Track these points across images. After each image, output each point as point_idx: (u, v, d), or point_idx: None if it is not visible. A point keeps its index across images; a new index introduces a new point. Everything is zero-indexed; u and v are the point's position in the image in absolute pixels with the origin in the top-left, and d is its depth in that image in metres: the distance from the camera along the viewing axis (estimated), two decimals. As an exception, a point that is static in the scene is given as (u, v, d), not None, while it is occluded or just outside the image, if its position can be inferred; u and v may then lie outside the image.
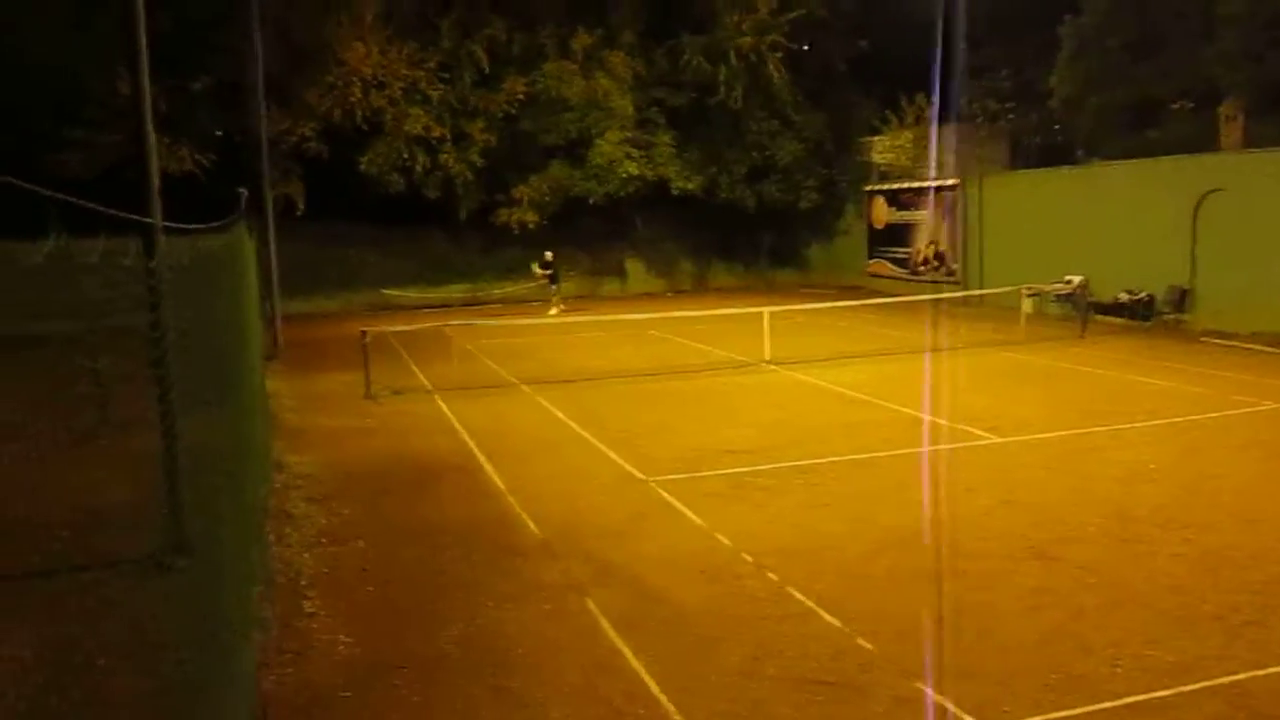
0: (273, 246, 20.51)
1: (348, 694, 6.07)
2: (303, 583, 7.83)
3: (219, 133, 27.57)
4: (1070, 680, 5.90)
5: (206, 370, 5.95)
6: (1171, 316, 20.94)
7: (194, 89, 26.00)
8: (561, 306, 27.38)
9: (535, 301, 28.90)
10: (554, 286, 27.72)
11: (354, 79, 27.80)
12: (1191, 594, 7.13)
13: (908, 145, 31.75)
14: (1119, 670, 6.01)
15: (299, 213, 27.87)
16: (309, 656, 6.55)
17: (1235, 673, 5.92)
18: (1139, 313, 21.48)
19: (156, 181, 7.34)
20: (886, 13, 31.21)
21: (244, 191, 12.12)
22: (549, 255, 27.87)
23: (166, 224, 6.08)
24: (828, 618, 6.88)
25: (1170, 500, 9.36)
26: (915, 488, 10.05)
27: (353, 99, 27.78)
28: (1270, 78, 21.90)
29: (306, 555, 8.47)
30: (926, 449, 11.72)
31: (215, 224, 7.85)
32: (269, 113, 22.50)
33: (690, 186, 31.90)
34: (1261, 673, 5.92)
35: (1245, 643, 6.32)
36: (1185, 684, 5.80)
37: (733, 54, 30.93)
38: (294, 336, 21.91)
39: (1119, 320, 21.66)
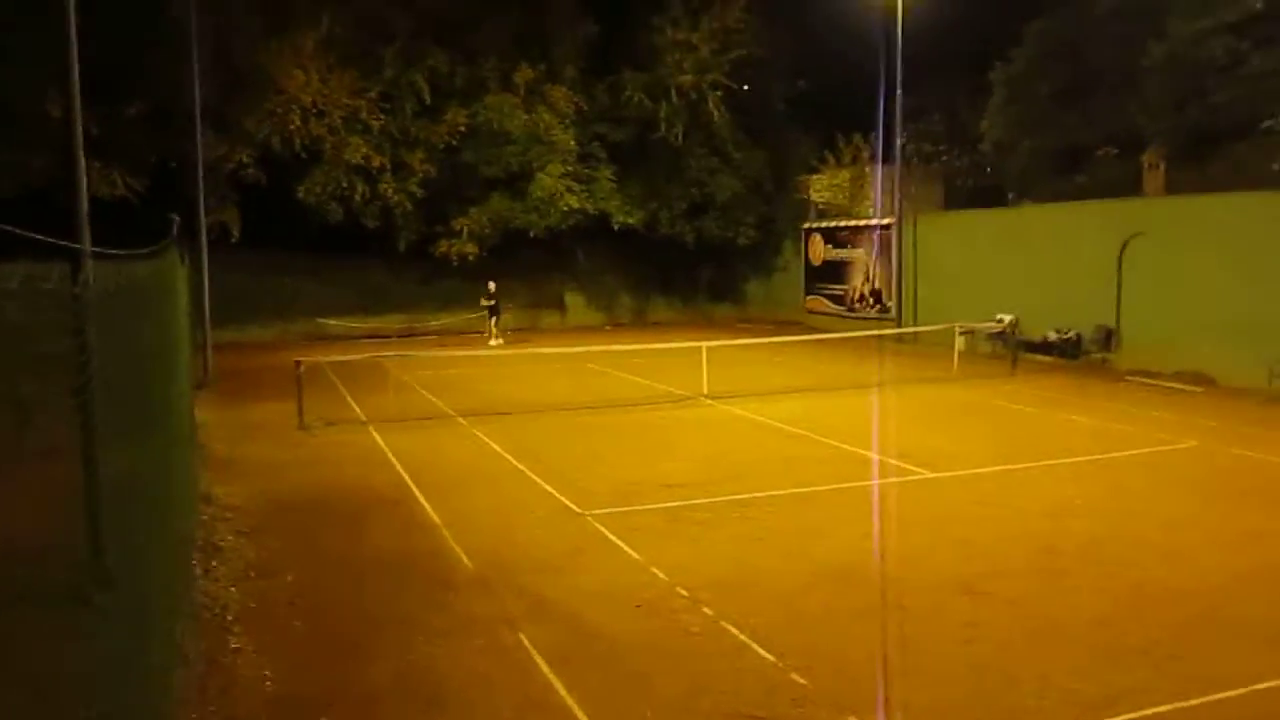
0: (205, 274, 20.18)
1: (273, 732, 5.93)
2: (229, 617, 7.65)
3: (154, 158, 27.13)
4: (998, 713, 5.97)
5: (132, 399, 5.81)
6: (1098, 355, 21.48)
7: (128, 113, 25.59)
8: (501, 339, 27.26)
9: (473, 333, 28.78)
10: (494, 318, 27.66)
11: (293, 106, 27.59)
12: (1115, 628, 7.27)
13: (844, 184, 32.33)
14: (1045, 703, 6.09)
15: (234, 240, 27.49)
16: (233, 693, 6.38)
17: (1159, 704, 6.04)
18: (1067, 351, 22.00)
19: (86, 205, 7.20)
20: (825, 55, 31.83)
21: (176, 217, 11.91)
22: (492, 286, 27.77)
23: (94, 249, 5.95)
24: (762, 652, 6.89)
25: (1096, 536, 9.55)
26: (851, 522, 10.14)
27: (292, 126, 27.55)
28: (1190, 127, 22.70)
29: (234, 589, 8.28)
30: (862, 484, 11.84)
31: (145, 250, 7.71)
32: (205, 138, 22.21)
33: (631, 221, 32.10)
34: (1183, 704, 6.05)
35: (1168, 675, 6.45)
36: (1108, 716, 5.90)
37: (674, 91, 31.31)
38: (227, 365, 21.53)
39: (1048, 358, 22.16)
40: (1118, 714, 5.94)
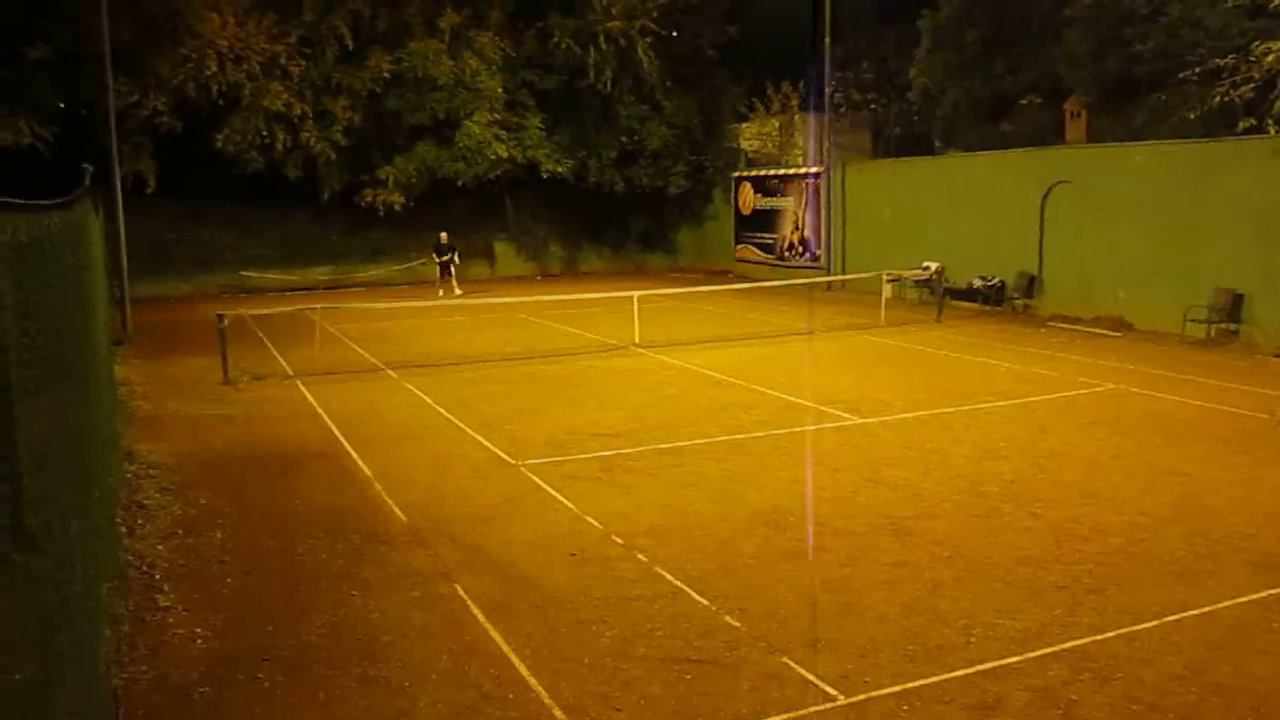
0: (121, 225, 19.56)
1: (206, 689, 5.86)
2: (157, 576, 7.52)
3: (62, 105, 26.10)
4: (927, 651, 6.14)
5: (48, 355, 5.63)
6: (1021, 302, 21.93)
7: (33, 56, 24.54)
8: (458, 290, 26.06)
9: (401, 284, 28.42)
10: (451, 268, 26.88)
11: (209, 51, 26.63)
12: (1038, 565, 7.50)
13: (774, 132, 32.41)
14: (972, 640, 6.28)
15: (150, 190, 26.63)
16: (164, 652, 6.30)
17: (1077, 638, 6.27)
18: (991, 298, 22.41)
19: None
20: (755, 1, 31.68)
21: (89, 167, 11.47)
22: (444, 236, 27.07)
23: (1, 199, 5.71)
24: (697, 597, 6.98)
25: (1019, 477, 9.82)
26: (782, 468, 10.27)
27: (208, 72, 26.62)
28: (1110, 77, 23.11)
29: (161, 547, 8.14)
30: (792, 430, 11.98)
31: (56, 201, 7.43)
32: (116, 84, 21.38)
33: (560, 169, 31.75)
34: (1100, 637, 6.28)
35: (1086, 610, 6.69)
36: (1032, 650, 6.11)
37: (602, 37, 30.90)
38: (146, 321, 20.96)
39: (973, 305, 22.56)
40: (1039, 648, 6.14)
